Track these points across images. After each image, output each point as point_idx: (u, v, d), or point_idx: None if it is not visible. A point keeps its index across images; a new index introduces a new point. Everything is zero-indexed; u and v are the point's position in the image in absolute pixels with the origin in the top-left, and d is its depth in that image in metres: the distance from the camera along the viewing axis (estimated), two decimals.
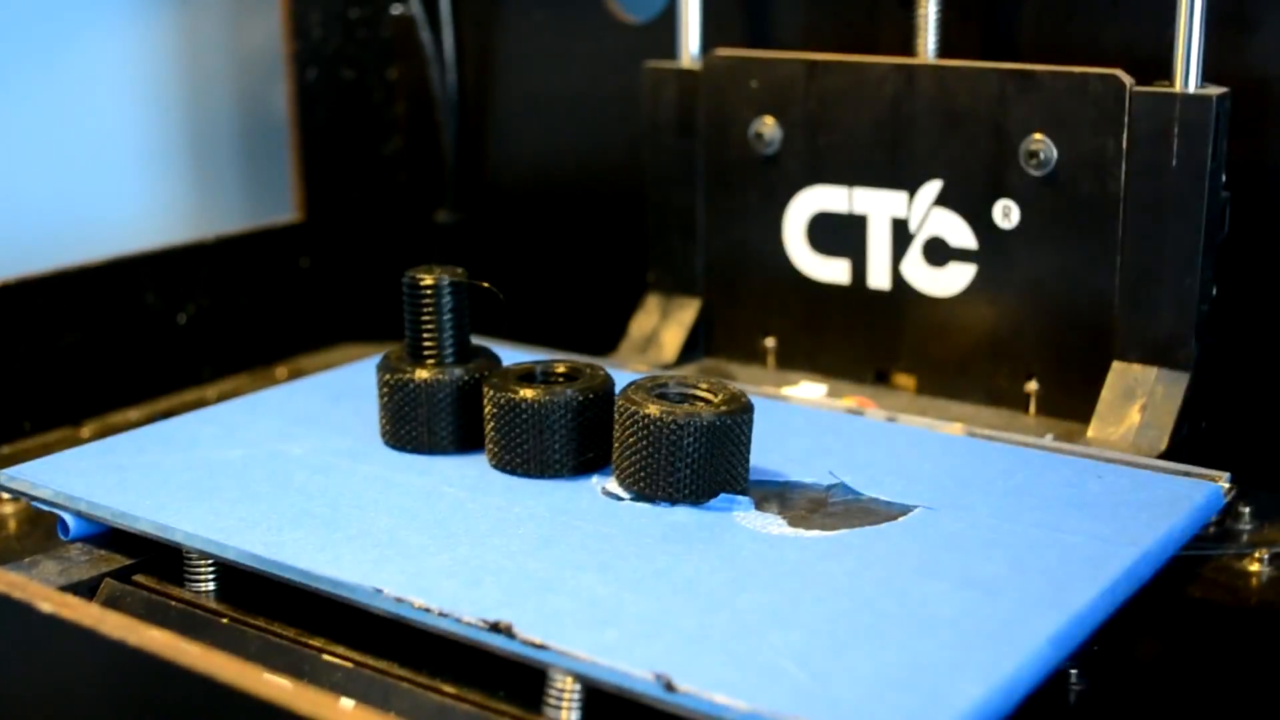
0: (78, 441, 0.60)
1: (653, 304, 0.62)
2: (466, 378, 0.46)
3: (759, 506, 0.42)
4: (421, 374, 0.46)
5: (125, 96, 0.70)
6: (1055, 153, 0.52)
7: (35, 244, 0.67)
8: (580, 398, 0.44)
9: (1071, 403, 0.52)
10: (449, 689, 0.36)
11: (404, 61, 0.72)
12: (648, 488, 0.42)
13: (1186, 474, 0.44)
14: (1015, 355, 0.54)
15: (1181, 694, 0.38)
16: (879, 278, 0.56)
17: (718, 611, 0.36)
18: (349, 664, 0.37)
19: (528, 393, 0.44)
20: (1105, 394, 0.51)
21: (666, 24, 0.60)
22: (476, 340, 0.48)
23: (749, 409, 0.42)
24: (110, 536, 0.44)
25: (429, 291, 0.46)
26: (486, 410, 0.45)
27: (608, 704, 0.34)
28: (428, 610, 0.36)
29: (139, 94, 0.70)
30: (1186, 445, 0.50)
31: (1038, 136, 0.52)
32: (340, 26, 0.71)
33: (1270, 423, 0.54)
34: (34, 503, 0.44)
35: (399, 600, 0.36)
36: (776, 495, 0.43)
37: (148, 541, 0.42)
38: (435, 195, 0.73)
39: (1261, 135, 0.52)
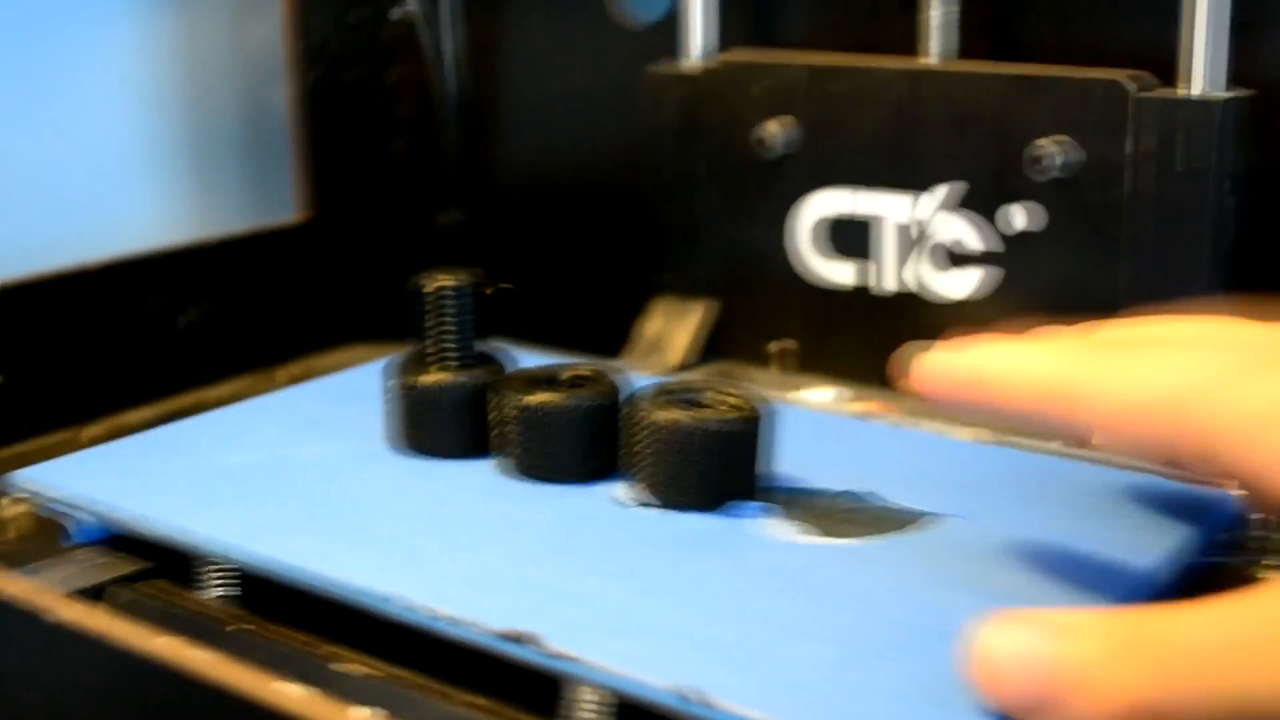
0: (79, 444, 0.59)
1: (660, 307, 0.62)
2: (476, 382, 0.46)
3: (771, 513, 0.42)
4: (430, 378, 0.46)
5: (127, 98, 0.70)
6: (1061, 157, 0.52)
7: (36, 246, 0.66)
8: (591, 403, 0.44)
9: None
10: (463, 698, 0.36)
11: (407, 63, 0.72)
12: (659, 494, 0.42)
13: (1198, 481, 0.44)
14: None
15: None
16: (887, 281, 0.56)
17: (731, 621, 0.35)
18: (361, 672, 0.37)
19: (538, 397, 0.44)
20: None
21: (670, 26, 0.60)
22: (483, 344, 0.48)
23: (762, 415, 0.42)
24: (118, 541, 0.43)
25: (436, 295, 0.46)
26: (496, 415, 0.45)
27: (625, 715, 0.34)
28: (440, 618, 0.36)
29: (140, 96, 0.70)
30: None
31: (1043, 141, 0.52)
32: (342, 28, 0.70)
33: None
34: (42, 506, 0.44)
35: (410, 607, 0.36)
36: (788, 502, 0.43)
37: (155, 546, 0.42)
38: (439, 197, 0.72)
39: (1273, 140, 0.52)
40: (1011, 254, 0.53)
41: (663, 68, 0.60)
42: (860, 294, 0.57)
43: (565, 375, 0.46)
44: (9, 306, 0.59)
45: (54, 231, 0.68)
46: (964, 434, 0.49)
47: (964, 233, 0.54)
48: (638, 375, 0.50)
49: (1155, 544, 0.39)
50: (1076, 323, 0.36)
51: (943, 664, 0.33)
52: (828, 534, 0.40)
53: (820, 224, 0.57)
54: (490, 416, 0.45)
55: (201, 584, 0.41)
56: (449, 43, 0.70)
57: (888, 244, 0.56)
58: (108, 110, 0.69)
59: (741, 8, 0.62)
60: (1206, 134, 0.49)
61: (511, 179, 0.71)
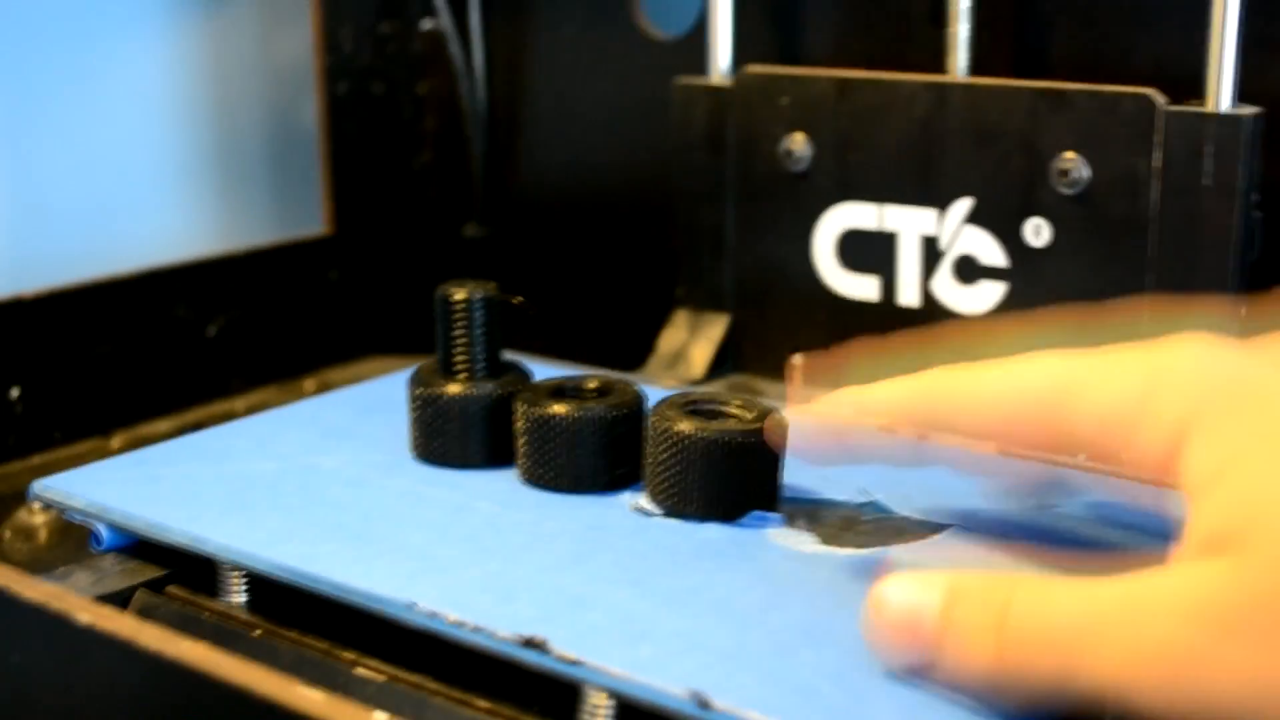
0: (108, 452, 0.60)
1: (681, 320, 0.62)
2: (498, 393, 0.46)
3: (791, 524, 0.42)
4: (453, 388, 0.46)
5: (156, 110, 0.70)
6: (1087, 171, 0.52)
7: (67, 256, 0.67)
8: (612, 413, 0.44)
9: None
10: (482, 704, 0.36)
11: (434, 76, 0.72)
12: (679, 504, 0.42)
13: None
14: None
15: None
16: (909, 295, 0.56)
17: (751, 629, 0.36)
18: (382, 677, 0.37)
19: (559, 408, 0.44)
20: None
21: (697, 40, 0.61)
22: (507, 355, 0.49)
23: (786, 428, 0.42)
24: (142, 547, 0.44)
25: (461, 306, 0.47)
26: (518, 425, 0.45)
27: None
28: (461, 625, 0.36)
29: (170, 108, 0.71)
30: None
31: (1069, 155, 0.52)
32: (371, 41, 0.71)
33: None
34: (66, 514, 0.45)
35: (433, 614, 0.37)
36: (808, 512, 0.43)
37: (180, 553, 0.42)
38: (464, 209, 0.73)
39: None
40: (1035, 268, 0.53)
41: (689, 80, 0.60)
42: (882, 308, 0.57)
43: (587, 386, 0.46)
44: (40, 316, 0.60)
45: (84, 242, 0.68)
46: (984, 446, 0.48)
47: (987, 247, 0.54)
48: (659, 387, 0.50)
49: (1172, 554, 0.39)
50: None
51: None
52: (846, 545, 0.41)
53: (843, 237, 0.57)
54: (515, 427, 0.45)
55: (225, 590, 0.42)
56: (477, 56, 0.71)
57: (910, 258, 0.56)
58: (137, 123, 0.70)
59: (767, 22, 0.62)
60: (1234, 148, 0.49)
61: (536, 192, 0.72)
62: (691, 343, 0.61)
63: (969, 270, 0.55)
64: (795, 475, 0.44)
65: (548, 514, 0.43)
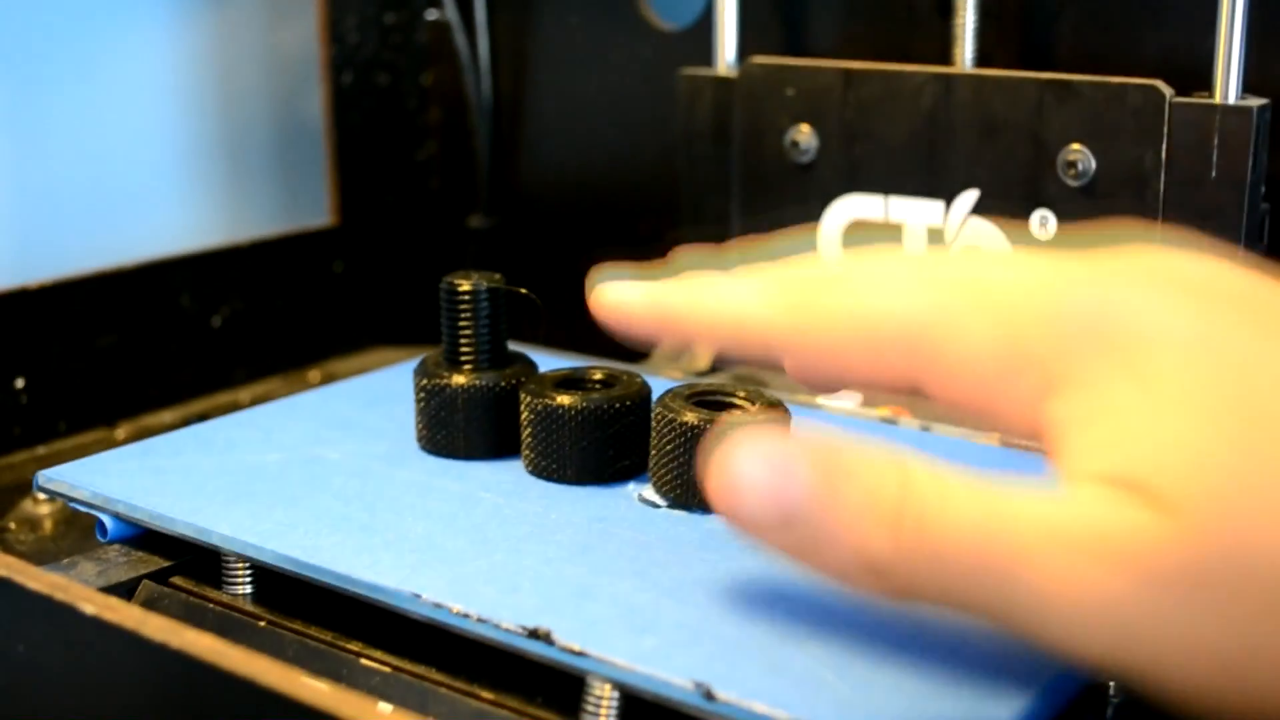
0: (113, 443, 0.60)
1: None
2: (503, 383, 0.46)
3: None
4: (458, 379, 0.46)
5: (161, 101, 0.70)
6: (1093, 163, 0.51)
7: (71, 247, 0.67)
8: (618, 404, 0.44)
9: None
10: (487, 694, 0.36)
11: (439, 67, 0.72)
12: (685, 495, 0.42)
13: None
14: None
15: None
16: None
17: (756, 620, 0.35)
18: (387, 668, 0.37)
19: (565, 399, 0.44)
20: None
21: (702, 31, 0.60)
22: (512, 346, 0.49)
23: (786, 418, 0.42)
24: (147, 538, 0.44)
25: (467, 297, 0.47)
26: (523, 416, 0.45)
27: (646, 712, 0.34)
28: (466, 616, 0.36)
29: (174, 98, 0.71)
30: None
31: (1076, 146, 0.52)
32: (376, 32, 0.71)
33: None
34: (71, 504, 0.45)
35: (437, 605, 0.37)
36: None
37: (185, 544, 0.42)
38: (469, 200, 0.73)
39: None
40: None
41: (695, 71, 0.60)
42: None
43: (593, 377, 0.46)
44: (45, 306, 0.60)
45: (89, 233, 0.68)
46: (987, 439, 0.48)
47: (993, 238, 0.54)
48: (665, 378, 0.50)
49: None
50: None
51: (964, 663, 0.33)
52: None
53: (849, 228, 0.57)
54: (521, 418, 0.45)
55: (230, 581, 0.42)
56: (482, 46, 0.71)
57: (915, 249, 0.56)
58: (142, 113, 0.70)
59: (772, 13, 0.62)
60: (1241, 140, 0.49)
61: (541, 183, 0.71)
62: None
63: None
64: None
65: (553, 505, 0.43)
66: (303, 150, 0.75)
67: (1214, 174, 0.49)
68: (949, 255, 0.33)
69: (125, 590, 0.42)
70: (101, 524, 0.44)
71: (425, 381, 0.47)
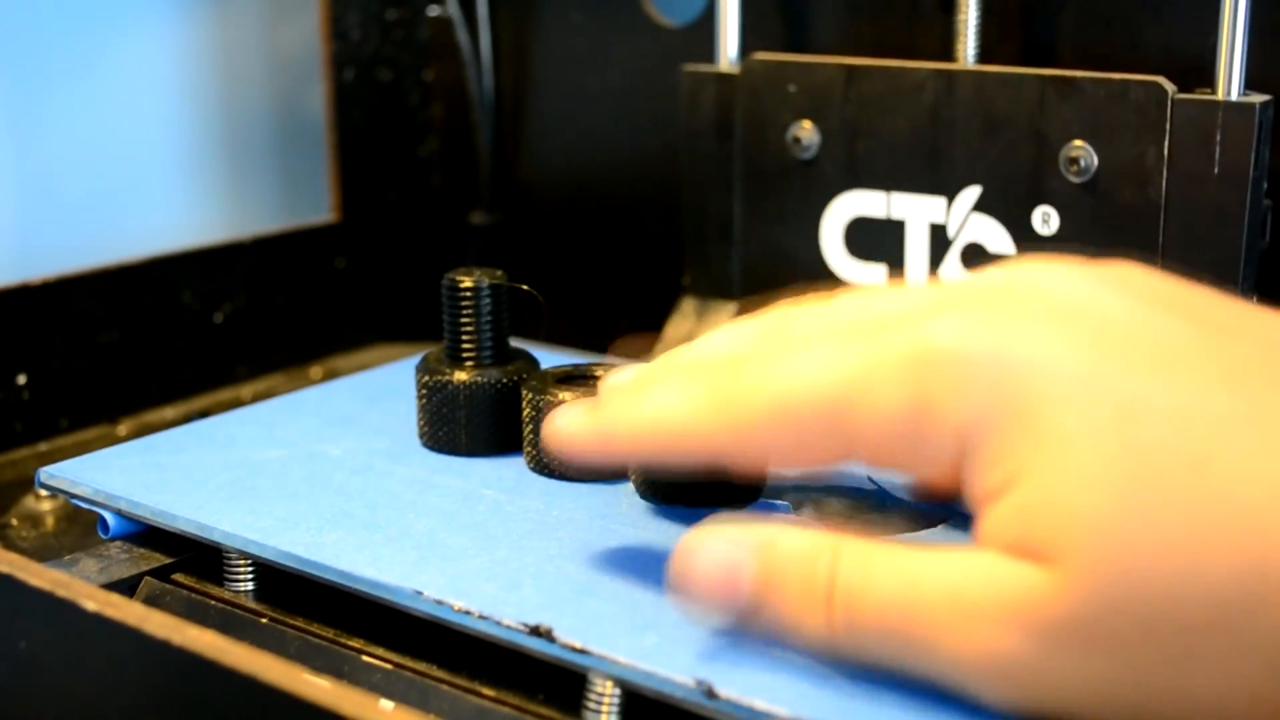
0: (115, 439, 0.60)
1: (688, 308, 0.62)
2: (505, 380, 0.46)
3: (796, 512, 0.42)
4: (460, 376, 0.46)
5: (163, 97, 0.70)
6: (1096, 159, 0.51)
7: (73, 243, 0.67)
8: None
9: None
10: (488, 691, 0.36)
11: (441, 63, 0.72)
12: (686, 492, 0.42)
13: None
14: None
15: None
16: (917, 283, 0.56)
17: None
18: (388, 665, 0.37)
19: (567, 395, 0.44)
20: None
21: (704, 27, 0.60)
22: (514, 343, 0.49)
23: None
24: (149, 535, 0.44)
25: (468, 293, 0.47)
26: (525, 413, 0.45)
27: (647, 709, 0.34)
28: (467, 613, 0.36)
29: (176, 94, 0.71)
30: None
31: (1078, 143, 0.52)
32: (378, 28, 0.71)
33: None
34: (73, 501, 0.45)
35: (439, 602, 0.37)
36: (813, 501, 0.43)
37: (187, 540, 0.42)
38: (471, 197, 0.73)
39: None
40: (1044, 256, 0.53)
41: (697, 67, 0.60)
42: None
43: (594, 374, 0.46)
44: (47, 303, 0.60)
45: (91, 229, 0.68)
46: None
47: (996, 235, 0.54)
48: None
49: None
50: None
51: None
52: (851, 532, 0.40)
53: (851, 225, 0.57)
54: (523, 415, 0.45)
55: (231, 578, 0.42)
56: (484, 42, 0.71)
57: (918, 246, 0.56)
58: (144, 109, 0.70)
59: (775, 9, 0.62)
60: (1244, 136, 0.49)
61: (543, 179, 0.71)
62: (699, 330, 0.61)
63: (977, 258, 0.55)
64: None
65: (554, 502, 0.43)
66: (304, 146, 0.75)
67: (1216, 170, 0.49)
68: (858, 313, 0.34)
69: (127, 587, 0.42)
70: (103, 520, 0.44)
71: (427, 378, 0.47)
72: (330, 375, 0.68)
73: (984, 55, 0.55)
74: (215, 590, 0.42)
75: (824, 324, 0.34)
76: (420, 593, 0.37)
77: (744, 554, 0.33)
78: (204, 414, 0.59)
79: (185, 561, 0.43)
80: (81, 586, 0.36)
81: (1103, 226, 0.52)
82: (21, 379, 0.59)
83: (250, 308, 0.67)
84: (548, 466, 0.44)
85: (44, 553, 0.49)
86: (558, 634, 0.35)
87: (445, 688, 0.36)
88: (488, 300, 0.47)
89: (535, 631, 0.35)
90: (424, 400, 0.47)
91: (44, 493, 0.48)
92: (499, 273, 0.47)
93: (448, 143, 0.73)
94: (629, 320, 0.68)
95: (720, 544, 0.33)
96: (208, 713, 0.33)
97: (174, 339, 0.65)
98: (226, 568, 0.42)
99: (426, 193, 0.73)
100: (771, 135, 0.58)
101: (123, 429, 0.62)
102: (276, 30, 0.74)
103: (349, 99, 0.71)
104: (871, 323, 0.33)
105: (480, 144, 0.71)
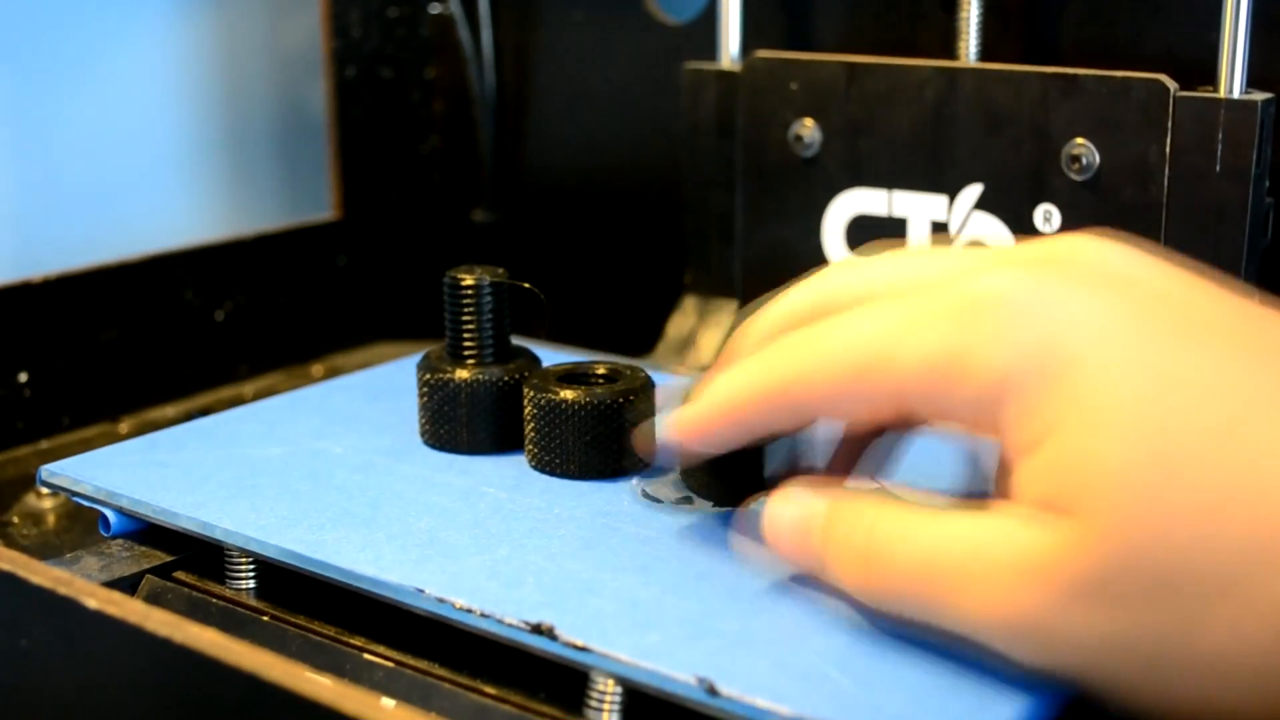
0: (116, 437, 0.60)
1: (690, 305, 0.62)
2: (507, 378, 0.46)
3: None
4: (462, 374, 0.46)
5: (164, 95, 0.70)
6: (1097, 157, 0.51)
7: (75, 241, 0.67)
8: (621, 399, 0.44)
9: None
10: (490, 689, 0.36)
11: (442, 60, 0.72)
12: (688, 490, 0.42)
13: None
14: None
15: None
16: None
17: (759, 615, 0.35)
18: (390, 663, 0.37)
19: (568, 394, 0.44)
20: None
21: (706, 25, 0.60)
22: (515, 341, 0.49)
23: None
24: (151, 533, 0.44)
25: (470, 291, 0.47)
26: (527, 411, 0.45)
27: (649, 707, 0.34)
28: (469, 611, 0.36)
29: (178, 92, 0.71)
30: None
31: (1080, 141, 0.52)
32: (379, 25, 0.71)
33: None
34: (75, 498, 0.45)
35: (440, 600, 0.37)
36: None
37: (188, 538, 0.42)
38: (472, 194, 0.73)
39: None
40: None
41: (699, 65, 0.60)
42: None
43: (596, 372, 0.46)
44: (48, 301, 0.60)
45: (92, 227, 0.68)
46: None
47: (997, 233, 0.54)
48: (669, 373, 0.50)
49: None
50: None
51: (967, 659, 0.33)
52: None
53: (853, 223, 0.57)
54: (524, 413, 0.45)
55: (233, 576, 0.42)
56: (486, 40, 0.71)
57: (919, 243, 0.56)
58: (145, 107, 0.70)
59: (776, 7, 0.62)
60: (1246, 134, 0.48)
61: (545, 177, 0.71)
62: (700, 328, 0.61)
63: None
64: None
65: (556, 500, 0.43)
66: (306, 144, 0.75)
67: (1218, 168, 0.49)
68: (908, 272, 0.36)
69: (128, 585, 0.42)
70: (105, 518, 0.44)
71: (428, 376, 0.47)
72: (332, 373, 0.68)
73: (986, 53, 0.55)
74: (216, 588, 0.42)
75: (874, 285, 0.36)
76: (422, 591, 0.37)
77: (812, 516, 0.35)
78: (205, 412, 0.59)
79: (186, 559, 0.43)
80: (83, 584, 0.36)
81: (1105, 224, 0.51)
82: (23, 377, 0.59)
83: (252, 305, 0.67)
84: (549, 464, 0.44)
85: (45, 550, 0.49)
86: (559, 632, 0.35)
87: (447, 686, 0.36)
88: (489, 298, 0.47)
89: (537, 629, 0.35)
90: (425, 398, 0.47)
91: (45, 490, 0.48)
92: (500, 270, 0.47)
93: (449, 140, 0.73)
94: (630, 318, 0.68)
95: (794, 507, 0.36)
96: (209, 711, 0.33)
97: (175, 337, 0.65)
98: (228, 566, 0.42)
99: (428, 190, 0.73)
100: (773, 133, 0.58)
101: (124, 427, 0.62)
102: (278, 28, 0.74)
103: (350, 96, 0.71)
104: (920, 280, 0.35)
105: (481, 142, 0.71)
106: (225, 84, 0.72)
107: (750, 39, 0.60)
